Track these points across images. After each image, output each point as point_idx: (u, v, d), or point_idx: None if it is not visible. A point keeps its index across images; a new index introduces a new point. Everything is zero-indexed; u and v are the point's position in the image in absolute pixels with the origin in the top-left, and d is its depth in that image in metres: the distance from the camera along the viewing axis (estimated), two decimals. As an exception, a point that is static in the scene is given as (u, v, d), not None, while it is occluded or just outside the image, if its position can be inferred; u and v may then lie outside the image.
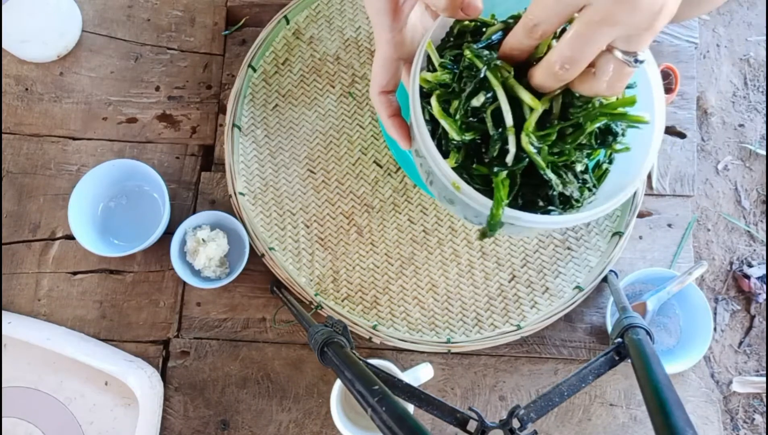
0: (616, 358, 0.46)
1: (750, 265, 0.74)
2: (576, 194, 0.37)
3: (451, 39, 0.39)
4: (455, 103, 0.36)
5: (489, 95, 0.35)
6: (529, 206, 0.37)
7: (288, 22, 0.74)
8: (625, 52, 0.30)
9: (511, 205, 0.35)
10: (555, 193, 0.37)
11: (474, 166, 0.36)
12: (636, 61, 0.30)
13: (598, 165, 0.41)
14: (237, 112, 0.71)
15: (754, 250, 0.75)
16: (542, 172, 0.35)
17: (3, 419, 0.65)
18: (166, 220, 0.66)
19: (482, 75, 0.35)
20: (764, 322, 0.73)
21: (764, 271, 0.72)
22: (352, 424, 0.60)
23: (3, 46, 0.72)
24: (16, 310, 0.68)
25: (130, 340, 0.68)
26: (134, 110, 0.74)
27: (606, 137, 0.37)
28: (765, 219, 0.76)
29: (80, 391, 0.66)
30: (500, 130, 0.35)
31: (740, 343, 0.72)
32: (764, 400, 0.70)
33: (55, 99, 0.74)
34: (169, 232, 0.67)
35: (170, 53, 0.76)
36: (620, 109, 0.34)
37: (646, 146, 0.38)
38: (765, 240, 0.75)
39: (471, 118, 0.36)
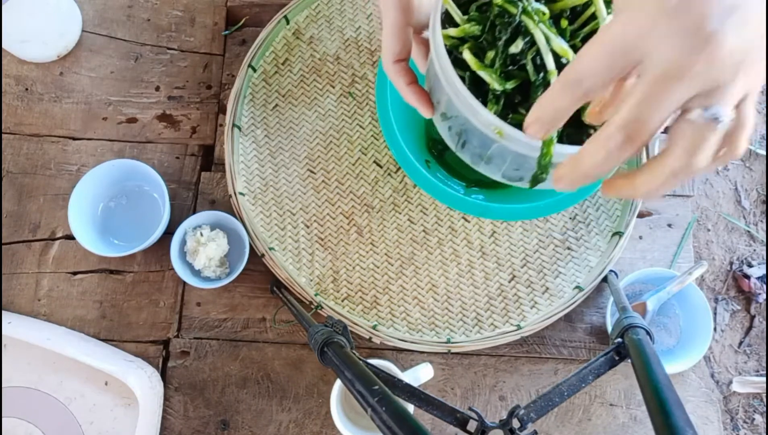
0: (616, 358, 0.46)
1: (750, 265, 0.74)
2: None
3: None
4: (491, 54, 0.36)
5: (527, 40, 0.34)
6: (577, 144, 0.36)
7: (288, 22, 0.74)
8: (707, 108, 0.24)
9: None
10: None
11: (510, 116, 0.36)
12: (716, 119, 0.24)
13: None
14: (237, 112, 0.71)
15: (754, 250, 0.75)
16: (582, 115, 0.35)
17: (3, 419, 0.65)
18: (166, 220, 0.66)
19: (517, 20, 0.34)
20: (764, 322, 0.73)
21: (764, 271, 0.72)
22: (352, 424, 0.60)
23: (3, 46, 0.72)
24: (16, 310, 0.68)
25: (130, 340, 0.68)
26: (134, 110, 0.74)
27: None
28: (765, 219, 0.76)
29: (80, 391, 0.66)
30: (542, 75, 0.34)
31: (740, 343, 0.72)
32: (764, 400, 0.70)
33: (55, 99, 0.74)
34: (169, 232, 0.67)
35: (170, 53, 0.76)
36: None
37: None
38: (765, 240, 0.75)
39: (510, 67, 0.35)
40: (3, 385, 0.66)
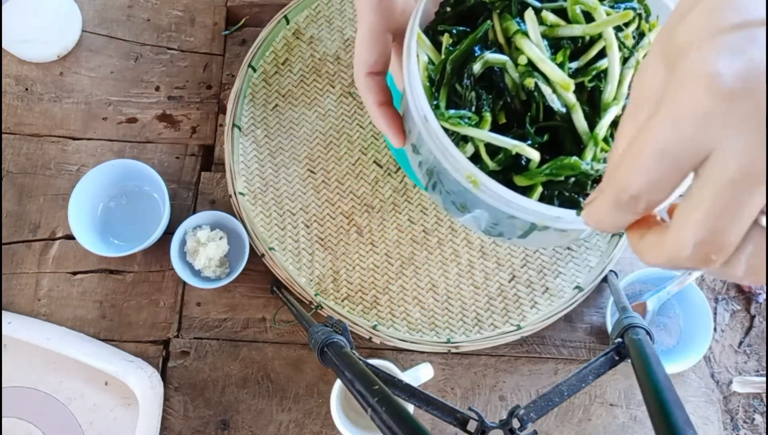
0: (616, 358, 0.46)
1: (750, 265, 0.74)
2: None
3: (448, 8, 0.32)
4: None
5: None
6: (568, 206, 0.29)
7: (288, 22, 0.74)
8: None
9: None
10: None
11: (491, 165, 0.30)
12: None
13: None
14: (237, 112, 0.71)
15: (754, 250, 0.75)
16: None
17: (3, 419, 0.65)
18: (166, 220, 0.66)
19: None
20: (764, 322, 0.73)
21: (764, 271, 0.72)
22: (352, 424, 0.60)
23: (3, 46, 0.72)
24: (16, 310, 0.68)
25: (130, 340, 0.68)
26: (134, 110, 0.74)
27: None
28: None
29: (80, 391, 0.66)
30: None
31: (740, 343, 0.72)
32: (764, 400, 0.70)
33: (55, 99, 0.74)
34: (169, 232, 0.67)
35: (170, 53, 0.76)
36: None
37: None
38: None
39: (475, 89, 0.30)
40: (3, 385, 0.66)
